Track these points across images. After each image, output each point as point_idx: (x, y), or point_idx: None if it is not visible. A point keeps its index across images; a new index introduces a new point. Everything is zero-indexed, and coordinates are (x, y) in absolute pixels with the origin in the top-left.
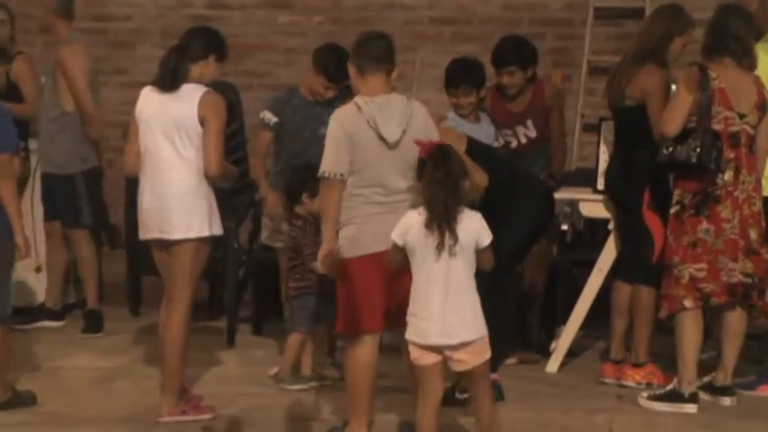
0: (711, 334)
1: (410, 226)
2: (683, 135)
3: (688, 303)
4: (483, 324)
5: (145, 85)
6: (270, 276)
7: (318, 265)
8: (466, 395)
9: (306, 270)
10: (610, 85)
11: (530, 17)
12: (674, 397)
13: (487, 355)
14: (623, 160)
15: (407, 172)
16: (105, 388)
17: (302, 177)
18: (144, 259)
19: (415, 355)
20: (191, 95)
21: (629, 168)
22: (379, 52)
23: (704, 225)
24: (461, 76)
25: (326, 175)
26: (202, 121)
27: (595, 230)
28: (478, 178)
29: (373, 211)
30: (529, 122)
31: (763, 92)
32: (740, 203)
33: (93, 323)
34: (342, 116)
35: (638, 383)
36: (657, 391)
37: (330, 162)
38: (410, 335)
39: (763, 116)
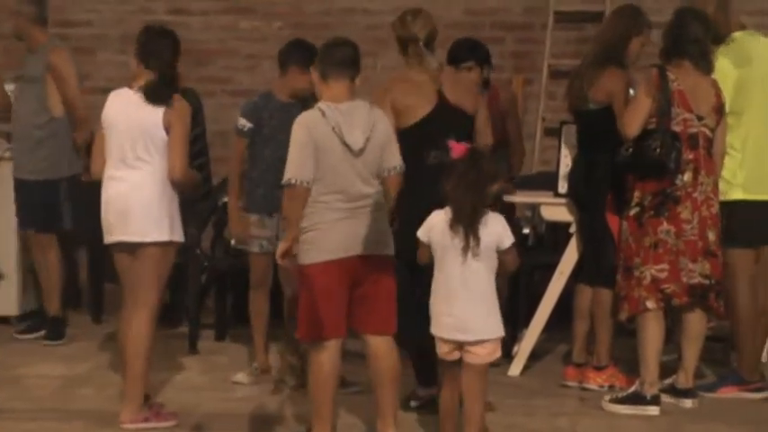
0: (672, 336)
1: (434, 224)
2: (644, 136)
3: (650, 304)
4: (500, 324)
5: (106, 90)
6: (235, 282)
7: (278, 260)
8: (418, 402)
9: None
10: (571, 89)
11: (491, 21)
12: (636, 399)
13: (498, 354)
14: (586, 163)
15: (371, 179)
16: (68, 395)
17: None
18: (106, 266)
19: (444, 349)
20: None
21: (591, 171)
22: (343, 58)
23: (665, 226)
24: (468, 49)
25: (292, 181)
26: (167, 128)
27: (557, 234)
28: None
29: (336, 217)
30: None
31: (721, 95)
32: (699, 205)
33: (55, 331)
34: (306, 121)
35: (601, 386)
36: (620, 394)
37: (295, 168)
38: (435, 330)
39: (721, 119)
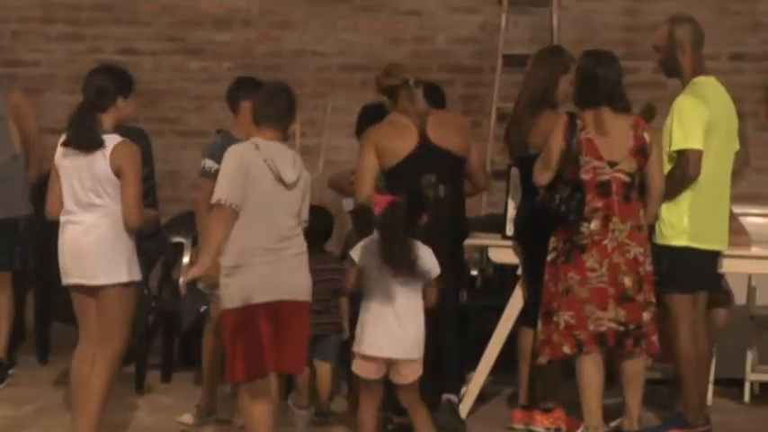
0: (617, 379)
1: (367, 249)
2: (552, 185)
3: (566, 350)
4: (422, 346)
5: (54, 130)
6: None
7: (182, 282)
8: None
9: (336, 306)
10: (508, 137)
11: (438, 64)
12: None
13: (419, 374)
14: (530, 207)
15: (296, 219)
16: None
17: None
18: (53, 306)
19: (368, 369)
20: (105, 148)
21: (534, 215)
22: (277, 112)
23: (572, 273)
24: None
25: (222, 201)
26: (118, 172)
27: (504, 276)
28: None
29: (263, 260)
30: None
31: (642, 135)
32: (609, 252)
33: None
34: (240, 150)
35: (547, 429)
36: None
37: (225, 190)
38: (363, 349)
39: (645, 161)
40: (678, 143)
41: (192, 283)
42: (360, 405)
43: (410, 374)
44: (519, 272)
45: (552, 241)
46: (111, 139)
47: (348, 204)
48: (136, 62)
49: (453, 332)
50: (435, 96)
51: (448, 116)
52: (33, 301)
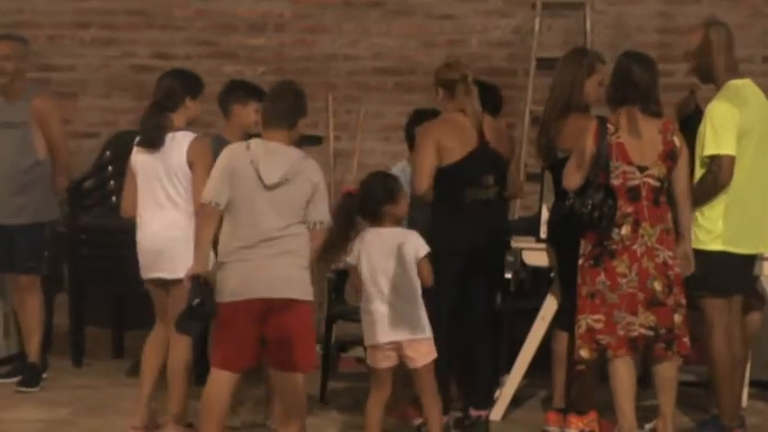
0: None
1: (359, 244)
2: (583, 189)
3: (584, 354)
4: (428, 326)
5: (88, 134)
6: None
7: (184, 280)
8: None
9: None
10: (539, 142)
11: (473, 68)
12: None
13: (432, 356)
14: (561, 210)
15: (286, 220)
16: None
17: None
18: (87, 310)
19: (375, 358)
20: (180, 144)
21: (565, 219)
22: (282, 112)
23: (601, 277)
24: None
25: (204, 201)
26: (191, 166)
27: (539, 279)
28: None
29: (243, 258)
30: None
31: (672, 140)
32: (639, 257)
33: (31, 378)
34: (231, 150)
35: (581, 431)
36: None
37: (210, 191)
38: (367, 340)
39: (675, 164)
40: (710, 148)
41: (195, 280)
42: (369, 399)
43: (417, 357)
44: (553, 274)
45: (582, 245)
46: (185, 137)
47: None
48: (169, 66)
49: (486, 344)
50: (495, 97)
51: (492, 120)
52: (68, 305)
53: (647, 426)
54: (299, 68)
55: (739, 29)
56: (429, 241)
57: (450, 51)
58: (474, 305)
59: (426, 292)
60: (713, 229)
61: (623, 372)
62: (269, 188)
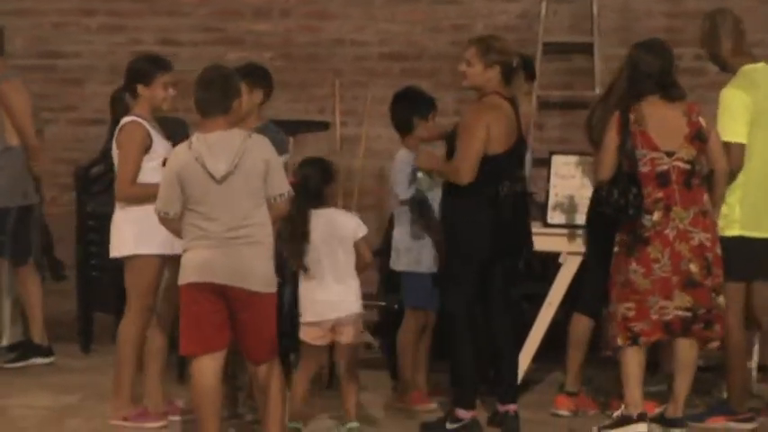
0: (661, 367)
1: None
2: (615, 178)
3: (620, 341)
4: (360, 305)
5: (94, 121)
6: None
7: None
8: (457, 425)
9: None
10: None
11: None
12: (624, 421)
13: (360, 334)
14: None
15: (246, 209)
16: (55, 426)
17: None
18: (95, 295)
19: (310, 335)
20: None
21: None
22: (213, 100)
23: (633, 266)
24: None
25: (157, 211)
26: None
27: (546, 264)
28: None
29: (204, 244)
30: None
31: (697, 120)
32: (671, 241)
33: (42, 352)
34: (174, 153)
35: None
36: (607, 422)
37: (159, 201)
38: (304, 317)
39: (704, 146)
40: (722, 135)
41: None
42: (297, 371)
43: (346, 333)
44: (561, 259)
45: (618, 235)
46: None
47: (404, 192)
48: (176, 53)
49: (509, 336)
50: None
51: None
52: (76, 291)
53: (657, 409)
54: (306, 54)
55: (747, 13)
56: (454, 232)
57: (456, 36)
58: (494, 298)
59: (444, 282)
60: (730, 214)
61: (631, 362)
62: (220, 181)
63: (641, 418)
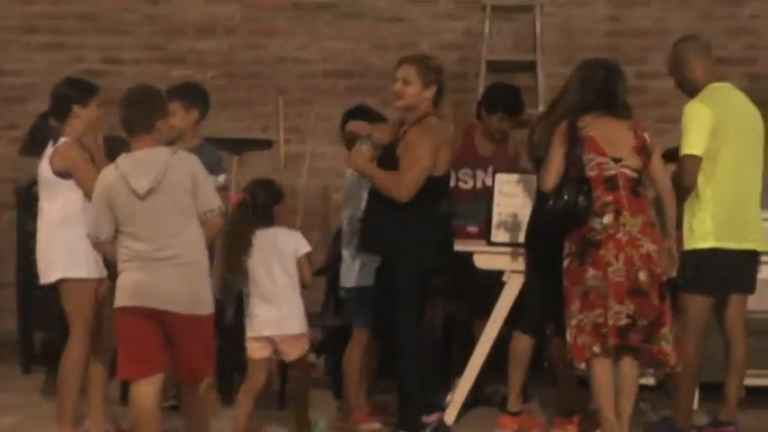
0: None
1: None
2: (560, 186)
3: (597, 349)
4: (305, 322)
5: None
6: None
7: None
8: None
9: None
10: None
11: None
12: None
13: (305, 351)
14: (538, 213)
15: (168, 224)
16: None
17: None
18: (36, 315)
19: (252, 349)
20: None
21: (547, 221)
22: (138, 118)
23: (591, 272)
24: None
25: (89, 238)
26: (63, 174)
27: (490, 283)
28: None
29: (135, 266)
30: (490, 169)
31: (642, 135)
32: (624, 245)
33: None
34: (101, 175)
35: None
36: None
37: (89, 226)
38: (248, 332)
39: (648, 160)
40: (682, 148)
41: None
42: (241, 388)
43: (291, 351)
44: (505, 278)
45: (566, 246)
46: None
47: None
48: (118, 71)
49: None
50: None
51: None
52: (17, 310)
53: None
54: (249, 72)
55: (688, 32)
56: (400, 247)
57: (401, 54)
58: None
59: (388, 298)
60: (703, 227)
61: (602, 373)
62: (144, 197)
63: None
